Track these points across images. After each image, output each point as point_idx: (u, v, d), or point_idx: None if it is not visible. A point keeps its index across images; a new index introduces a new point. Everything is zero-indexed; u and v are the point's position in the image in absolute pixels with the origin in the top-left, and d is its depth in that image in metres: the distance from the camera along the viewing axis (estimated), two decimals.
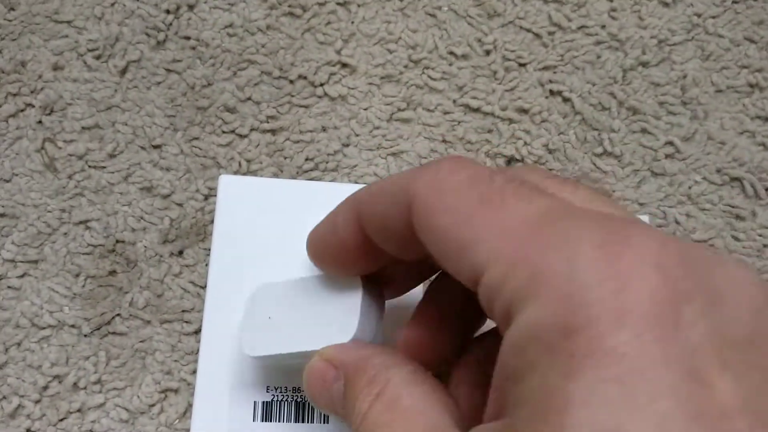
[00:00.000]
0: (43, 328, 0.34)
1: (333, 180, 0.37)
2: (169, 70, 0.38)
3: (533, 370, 0.16)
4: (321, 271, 0.27)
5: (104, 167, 0.37)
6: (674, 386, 0.14)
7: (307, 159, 0.37)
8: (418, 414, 0.20)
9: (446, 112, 0.38)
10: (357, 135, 0.38)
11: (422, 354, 0.24)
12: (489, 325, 0.22)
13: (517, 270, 0.16)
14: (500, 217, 0.17)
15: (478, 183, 0.19)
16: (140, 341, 0.35)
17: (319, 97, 0.38)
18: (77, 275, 0.35)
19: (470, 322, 0.25)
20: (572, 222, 0.17)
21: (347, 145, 0.37)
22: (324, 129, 0.38)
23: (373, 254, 0.23)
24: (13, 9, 0.39)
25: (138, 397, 0.34)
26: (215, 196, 0.35)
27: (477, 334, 0.25)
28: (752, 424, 0.15)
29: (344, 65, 0.39)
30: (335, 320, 0.29)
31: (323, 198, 0.34)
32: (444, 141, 0.38)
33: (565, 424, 0.14)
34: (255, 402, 0.32)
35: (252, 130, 0.37)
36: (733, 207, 0.37)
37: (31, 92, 0.37)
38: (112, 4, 0.39)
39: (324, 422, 0.32)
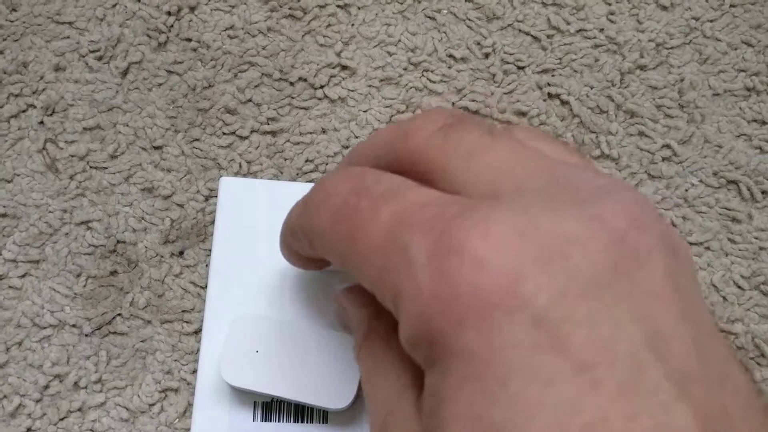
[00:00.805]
0: (44, 328, 0.35)
1: None
2: (170, 72, 0.38)
3: (425, 370, 0.18)
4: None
5: (105, 168, 0.37)
6: (523, 364, 0.16)
7: (307, 160, 0.37)
8: (390, 372, 0.22)
9: None
10: (357, 137, 0.38)
11: None
12: None
13: (386, 295, 0.19)
14: (360, 247, 0.19)
15: (337, 217, 0.21)
16: (141, 341, 0.35)
17: (319, 99, 0.38)
18: (78, 275, 0.35)
19: None
20: (408, 236, 0.18)
21: (347, 147, 0.38)
22: (324, 131, 0.38)
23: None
24: (14, 10, 0.39)
25: (138, 396, 0.34)
26: (216, 197, 0.36)
27: None
28: (609, 371, 0.15)
29: (344, 67, 0.39)
30: (333, 383, 0.30)
31: None
32: None
33: (441, 421, 0.17)
34: (255, 402, 0.32)
35: (252, 131, 0.38)
36: (729, 210, 0.38)
37: (33, 93, 0.38)
38: (114, 6, 0.39)
39: (323, 422, 0.32)
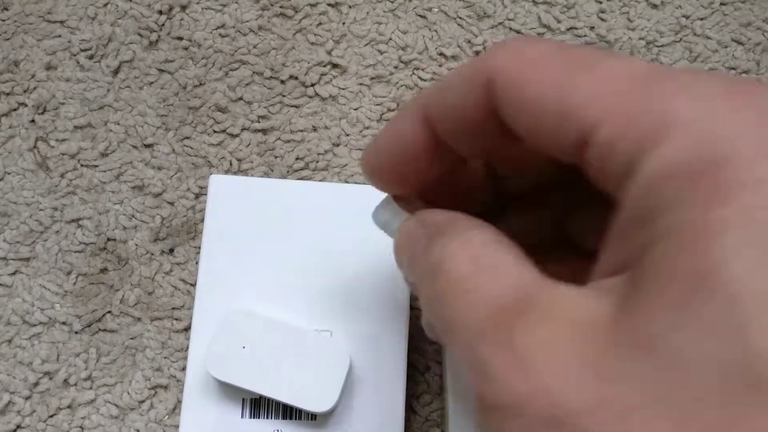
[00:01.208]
0: (34, 325, 0.35)
1: (323, 179, 0.37)
2: (161, 70, 0.38)
3: (671, 206, 0.14)
4: (377, 189, 0.24)
5: (96, 166, 0.37)
6: None
7: (297, 158, 0.37)
8: (508, 268, 0.17)
9: None
10: (347, 135, 0.38)
11: None
12: None
13: (639, 120, 0.15)
14: (603, 77, 0.16)
15: (566, 50, 0.17)
16: (131, 338, 0.35)
17: (310, 97, 0.38)
18: (69, 273, 0.36)
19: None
20: (684, 75, 0.16)
21: (337, 145, 0.38)
22: (314, 129, 0.38)
23: (439, 158, 0.21)
24: (6, 9, 0.39)
25: (128, 393, 0.34)
26: (206, 194, 0.36)
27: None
28: None
29: (335, 66, 0.39)
30: (318, 385, 0.31)
31: (313, 197, 0.34)
32: None
33: (716, 247, 0.13)
34: (243, 399, 0.32)
35: (243, 129, 0.38)
36: None
37: (24, 91, 0.38)
38: (105, 5, 0.39)
39: (311, 419, 0.32)
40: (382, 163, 0.22)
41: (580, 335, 0.15)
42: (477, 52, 0.39)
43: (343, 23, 0.40)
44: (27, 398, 0.34)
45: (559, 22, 0.40)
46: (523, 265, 0.17)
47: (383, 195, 0.24)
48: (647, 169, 0.15)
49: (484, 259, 0.18)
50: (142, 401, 0.34)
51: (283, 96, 0.38)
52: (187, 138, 0.38)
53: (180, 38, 0.39)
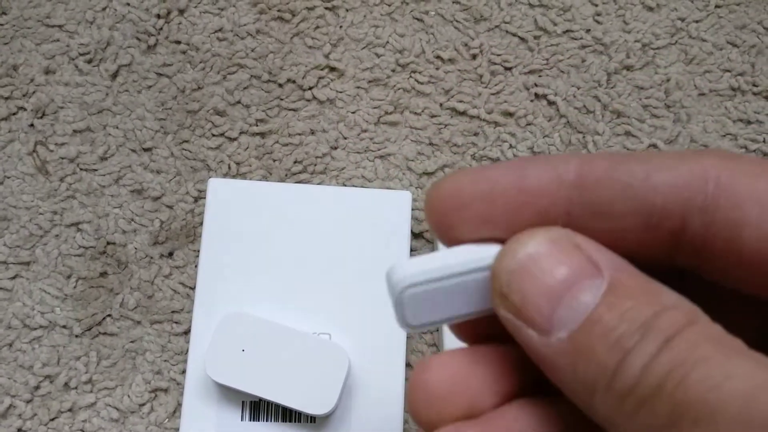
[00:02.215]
0: (35, 329, 0.35)
1: (321, 182, 0.37)
2: (159, 74, 0.39)
3: None
4: (442, 243, 0.17)
5: (95, 170, 0.37)
6: None
7: (295, 162, 0.38)
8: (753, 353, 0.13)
9: (433, 116, 0.39)
10: (345, 138, 0.38)
11: None
12: None
13: None
14: None
15: None
16: (131, 341, 0.35)
17: (308, 100, 0.39)
18: (69, 277, 0.36)
19: None
20: None
21: (335, 148, 0.38)
22: (312, 132, 0.38)
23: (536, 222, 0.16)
24: (5, 13, 0.39)
25: (128, 396, 0.34)
26: (205, 198, 0.36)
27: None
28: None
29: (332, 69, 0.39)
30: (316, 387, 0.31)
31: (311, 200, 0.35)
32: (431, 144, 0.38)
33: None
34: (243, 402, 0.32)
35: (241, 133, 0.38)
36: None
37: (23, 96, 0.38)
38: (104, 9, 0.39)
39: (310, 422, 0.32)
40: (474, 202, 0.17)
41: None
42: (474, 55, 0.40)
43: (341, 27, 0.40)
44: (28, 402, 0.34)
45: (555, 24, 0.40)
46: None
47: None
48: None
49: (725, 340, 0.13)
50: (143, 404, 0.34)
51: (281, 99, 0.39)
52: (186, 142, 0.38)
53: (178, 42, 0.39)
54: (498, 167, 0.16)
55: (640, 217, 0.15)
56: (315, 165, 0.38)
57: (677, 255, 0.15)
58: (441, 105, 0.39)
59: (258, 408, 0.32)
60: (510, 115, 0.39)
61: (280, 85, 0.39)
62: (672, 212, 0.14)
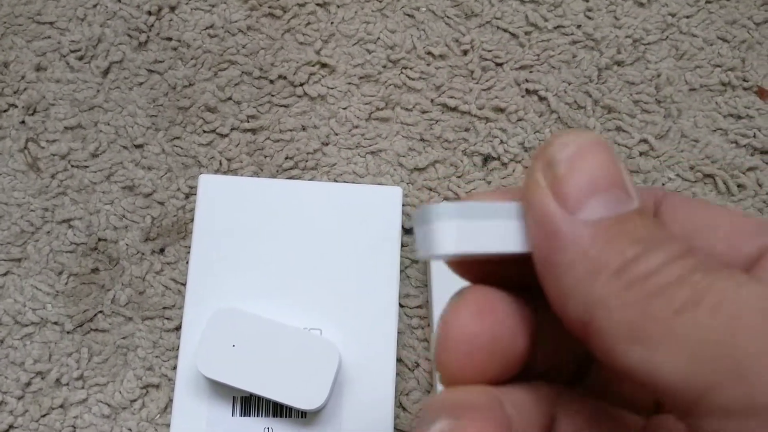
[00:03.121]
0: (26, 326, 0.35)
1: (312, 178, 0.38)
2: (150, 71, 0.39)
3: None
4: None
5: (87, 167, 0.37)
6: None
7: (287, 158, 0.38)
8: None
9: (424, 111, 0.39)
10: (336, 134, 0.38)
11: None
12: None
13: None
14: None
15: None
16: (122, 338, 0.35)
17: (299, 96, 0.39)
18: (60, 273, 0.36)
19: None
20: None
21: (327, 144, 0.38)
22: (304, 128, 0.38)
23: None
24: None
25: (120, 392, 0.34)
26: (196, 194, 0.36)
27: None
28: None
29: (324, 65, 0.39)
30: (306, 383, 0.31)
31: (302, 196, 0.35)
32: (422, 140, 0.38)
33: None
34: (234, 398, 0.32)
35: (232, 129, 0.38)
36: None
37: (14, 93, 0.38)
38: (95, 6, 0.39)
39: (301, 417, 0.32)
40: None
41: None
42: (465, 51, 0.40)
43: (332, 23, 0.40)
44: (19, 398, 0.34)
45: (546, 20, 0.40)
46: None
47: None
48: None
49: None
50: (134, 400, 0.34)
51: (272, 96, 0.39)
52: (177, 138, 0.38)
53: (169, 39, 0.39)
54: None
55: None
56: (306, 161, 0.38)
57: None
58: (432, 101, 0.39)
59: (249, 403, 0.32)
60: (501, 110, 0.39)
61: (271, 82, 0.39)
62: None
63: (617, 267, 0.14)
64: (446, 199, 0.38)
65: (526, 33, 0.40)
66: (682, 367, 0.13)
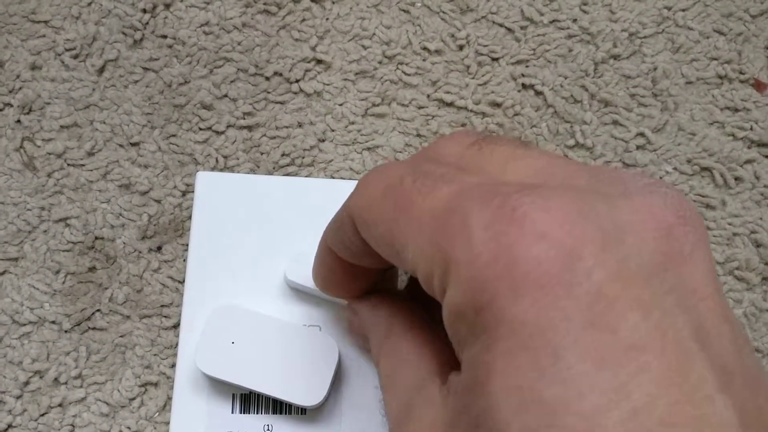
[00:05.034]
0: (24, 325, 0.35)
1: (309, 175, 0.37)
2: (146, 69, 0.39)
3: (464, 344, 0.18)
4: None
5: (83, 165, 0.37)
6: (576, 339, 0.15)
7: (283, 154, 0.38)
8: (412, 365, 0.23)
9: (420, 107, 0.39)
10: (333, 130, 0.38)
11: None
12: None
13: (435, 263, 0.18)
14: (413, 216, 0.19)
15: (391, 191, 0.20)
16: (120, 336, 0.35)
17: (295, 93, 0.39)
18: (57, 272, 0.36)
19: None
20: (468, 206, 0.18)
21: (323, 141, 0.38)
22: (300, 125, 0.38)
23: (360, 273, 0.26)
24: None
25: (118, 391, 0.34)
26: (193, 192, 0.36)
27: None
28: (658, 357, 0.15)
29: (319, 62, 0.39)
30: (306, 379, 0.31)
31: (299, 193, 0.35)
32: (418, 135, 0.38)
33: (486, 393, 0.16)
34: (233, 395, 0.32)
35: (228, 126, 0.38)
36: (703, 196, 0.38)
37: (9, 92, 0.38)
38: (89, 4, 0.39)
39: (301, 413, 0.32)
40: (325, 284, 0.28)
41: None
42: (461, 46, 0.40)
43: (327, 19, 0.40)
44: (18, 397, 0.34)
45: (541, 14, 0.40)
46: (422, 357, 0.23)
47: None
48: (445, 312, 0.18)
49: (399, 351, 0.24)
50: (133, 399, 0.34)
51: (268, 92, 0.39)
52: (173, 136, 0.38)
53: (164, 36, 0.39)
54: (315, 263, 0.29)
55: None
56: (303, 157, 0.38)
57: None
58: (428, 96, 0.39)
59: (248, 400, 0.32)
60: (497, 105, 0.39)
61: (267, 78, 0.39)
62: None
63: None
64: None
65: (522, 27, 0.40)
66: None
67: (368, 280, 0.27)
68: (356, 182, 0.23)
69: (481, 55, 0.40)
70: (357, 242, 0.23)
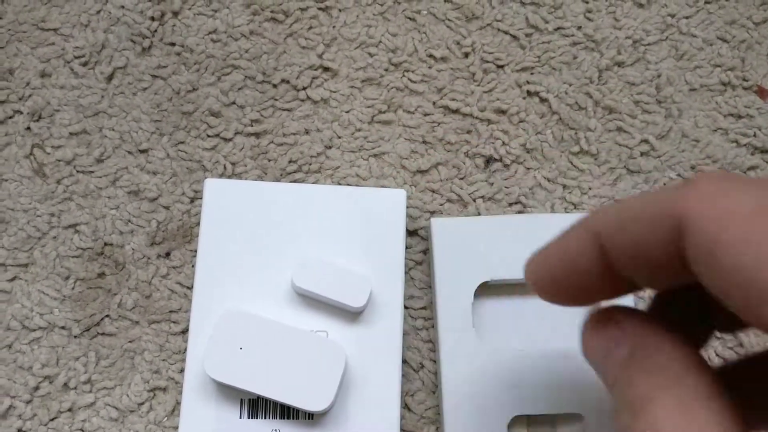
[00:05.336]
0: (34, 330, 0.35)
1: (316, 181, 0.38)
2: (154, 76, 0.39)
3: None
4: (538, 298, 0.22)
5: (92, 172, 0.37)
6: None
7: (290, 161, 0.38)
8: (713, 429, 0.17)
9: (426, 114, 0.39)
10: (339, 137, 0.38)
11: None
12: None
13: None
14: None
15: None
16: (129, 341, 0.35)
17: (302, 100, 0.39)
18: (67, 278, 0.36)
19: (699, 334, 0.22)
20: None
21: (330, 147, 0.38)
22: (307, 132, 0.39)
23: (614, 283, 0.20)
24: (0, 18, 0.39)
25: (127, 396, 0.35)
26: (201, 198, 0.36)
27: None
28: None
29: (326, 69, 0.39)
30: (313, 385, 0.31)
31: (306, 199, 0.35)
32: (424, 142, 0.39)
33: None
34: (242, 400, 0.32)
35: (236, 133, 0.38)
36: None
37: (19, 99, 0.38)
38: (98, 12, 0.40)
39: (308, 418, 0.32)
40: (544, 276, 0.21)
41: None
42: (466, 54, 0.40)
43: (334, 27, 0.40)
44: (28, 402, 0.34)
45: (546, 22, 0.41)
46: (726, 427, 0.17)
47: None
48: None
49: (694, 410, 0.17)
50: (142, 403, 0.35)
51: (276, 100, 0.39)
52: (182, 143, 0.38)
53: (173, 44, 0.39)
54: (553, 248, 0.21)
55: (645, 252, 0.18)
56: (310, 164, 0.38)
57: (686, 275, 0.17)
58: (434, 103, 0.39)
59: (256, 405, 0.32)
60: (503, 112, 0.39)
61: (275, 86, 0.39)
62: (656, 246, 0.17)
63: None
64: (449, 200, 0.38)
65: (527, 35, 0.40)
66: None
67: (614, 295, 0.21)
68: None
69: (487, 62, 0.40)
70: (661, 252, 0.17)
